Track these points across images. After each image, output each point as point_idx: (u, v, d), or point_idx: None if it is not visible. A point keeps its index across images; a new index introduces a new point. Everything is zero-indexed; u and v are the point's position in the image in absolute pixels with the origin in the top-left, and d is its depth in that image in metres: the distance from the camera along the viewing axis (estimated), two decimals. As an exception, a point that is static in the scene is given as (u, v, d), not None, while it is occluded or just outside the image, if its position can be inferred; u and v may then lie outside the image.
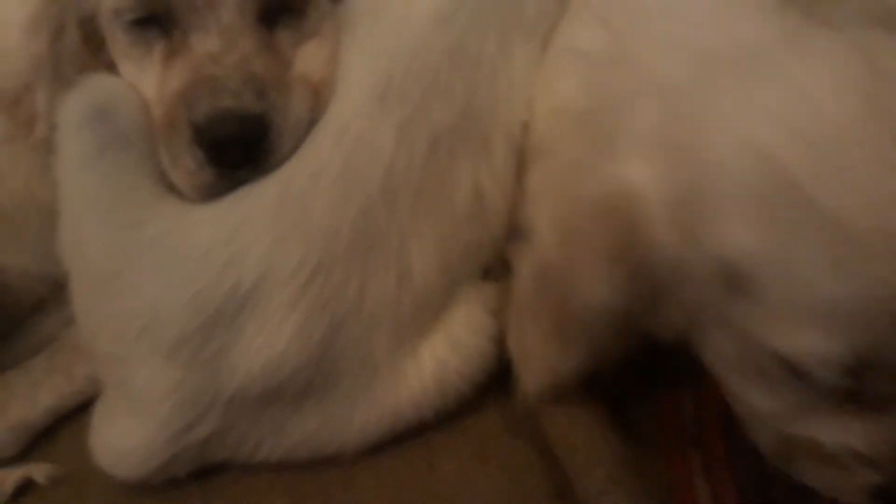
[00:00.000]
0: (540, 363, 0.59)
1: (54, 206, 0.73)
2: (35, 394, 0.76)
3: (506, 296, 0.71)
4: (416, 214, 0.64)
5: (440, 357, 0.66)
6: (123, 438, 0.65)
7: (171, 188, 0.66)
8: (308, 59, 0.69)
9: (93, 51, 0.72)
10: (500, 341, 0.69)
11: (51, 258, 0.75)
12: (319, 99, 0.67)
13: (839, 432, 0.50)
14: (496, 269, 0.72)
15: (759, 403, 0.53)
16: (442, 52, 0.66)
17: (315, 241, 0.61)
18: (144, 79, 0.68)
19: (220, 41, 0.64)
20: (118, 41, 0.69)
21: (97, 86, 0.68)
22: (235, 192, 0.63)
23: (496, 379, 0.69)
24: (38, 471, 0.71)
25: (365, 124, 0.63)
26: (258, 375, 0.61)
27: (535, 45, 0.71)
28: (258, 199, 0.62)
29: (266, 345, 0.60)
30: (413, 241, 0.64)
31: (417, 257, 0.64)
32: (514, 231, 0.67)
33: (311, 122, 0.65)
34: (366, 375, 0.64)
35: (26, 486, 0.71)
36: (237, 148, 0.62)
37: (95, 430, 0.69)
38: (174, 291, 0.60)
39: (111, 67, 0.72)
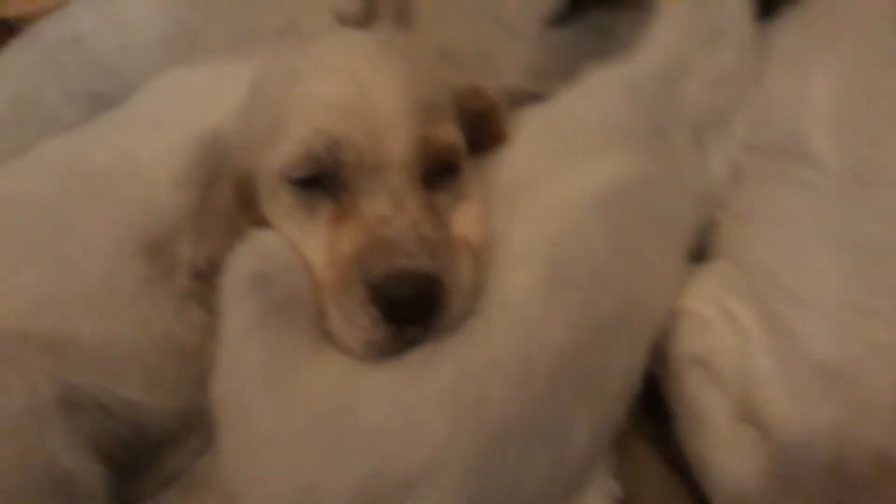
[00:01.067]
0: None
1: (194, 350, 0.77)
2: (168, 531, 0.78)
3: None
4: (576, 402, 0.66)
5: (575, 525, 0.68)
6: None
7: (335, 345, 0.67)
8: (463, 221, 0.71)
9: (244, 207, 0.75)
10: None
11: (187, 396, 0.79)
12: (478, 262, 0.69)
13: None
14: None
15: None
16: (604, 242, 0.69)
17: (487, 429, 0.62)
18: (307, 239, 0.70)
19: (389, 204, 0.66)
20: (281, 202, 0.71)
21: (259, 249, 0.70)
22: (408, 363, 0.64)
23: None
24: None
25: (538, 312, 0.65)
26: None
27: (682, 250, 0.76)
28: (434, 378, 0.63)
29: (424, 530, 0.61)
30: (572, 428, 0.66)
31: (574, 442, 0.66)
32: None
33: (475, 284, 0.67)
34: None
35: None
36: (414, 306, 0.63)
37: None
38: (342, 468, 0.61)
39: (261, 223, 0.74)
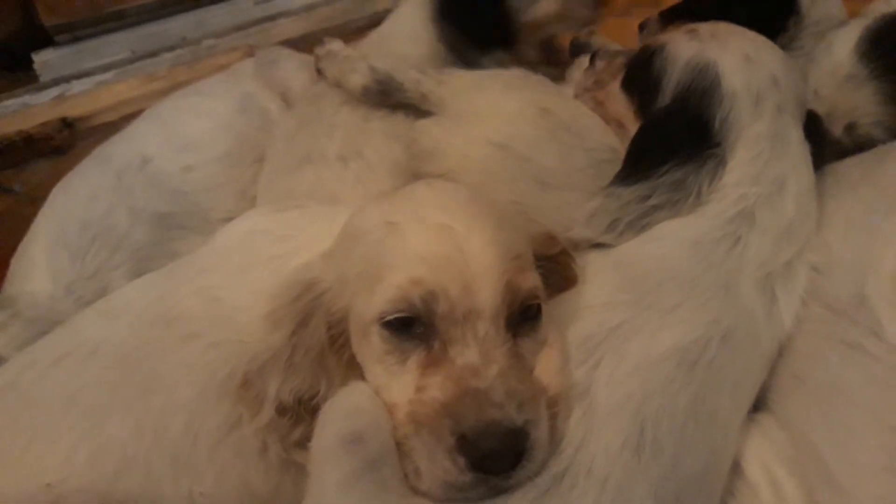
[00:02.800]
0: None
1: (268, 497, 0.79)
2: None
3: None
4: None
5: None
6: None
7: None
8: (544, 368, 0.73)
9: (334, 347, 0.77)
10: None
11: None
12: (556, 410, 0.70)
13: None
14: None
15: None
16: (687, 402, 0.71)
17: None
18: (395, 384, 0.72)
19: (479, 354, 0.68)
20: (372, 345, 0.73)
21: (350, 406, 0.72)
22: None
23: None
24: None
25: (624, 478, 0.67)
26: None
27: (751, 404, 0.79)
28: None
29: None
30: None
31: None
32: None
33: (556, 434, 0.69)
34: None
35: None
36: (501, 459, 0.65)
37: None
38: None
39: (350, 362, 0.76)
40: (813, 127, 0.94)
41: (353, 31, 1.64)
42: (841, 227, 0.86)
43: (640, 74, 0.99)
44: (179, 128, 1.25)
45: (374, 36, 1.44)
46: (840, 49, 1.10)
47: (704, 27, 0.97)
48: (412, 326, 0.71)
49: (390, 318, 0.70)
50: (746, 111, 0.88)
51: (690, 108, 0.90)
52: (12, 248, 1.22)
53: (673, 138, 0.88)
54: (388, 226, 0.73)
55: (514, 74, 1.20)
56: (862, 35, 1.09)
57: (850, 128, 1.10)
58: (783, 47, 1.21)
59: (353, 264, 0.75)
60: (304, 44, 1.83)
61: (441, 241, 0.70)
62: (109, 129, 1.71)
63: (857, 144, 1.10)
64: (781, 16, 1.30)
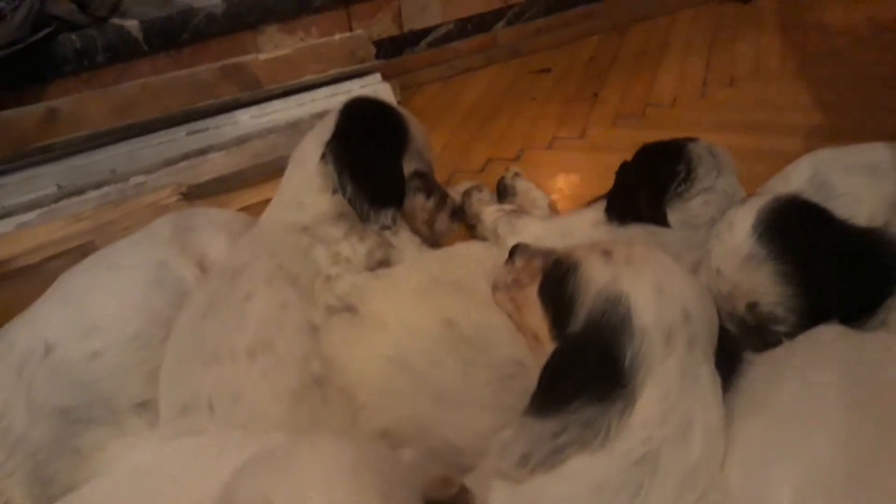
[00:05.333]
0: None
1: None
2: None
3: None
4: None
5: None
6: None
7: None
8: None
9: None
10: None
11: None
12: None
13: None
14: None
15: None
16: None
17: None
18: None
19: None
20: None
21: None
22: None
23: None
24: None
25: None
26: None
27: None
28: None
29: None
30: None
31: None
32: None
33: None
34: None
35: None
36: None
37: None
38: None
39: None
40: (726, 350, 0.93)
41: (284, 167, 1.62)
42: (739, 460, 0.83)
43: (554, 290, 0.97)
44: (87, 308, 1.19)
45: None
46: (739, 228, 1.12)
47: (619, 250, 0.95)
48: None
49: None
50: (657, 348, 0.86)
51: (601, 341, 0.87)
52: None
53: (584, 374, 0.86)
54: None
55: (428, 274, 1.19)
56: (758, 216, 1.11)
57: (752, 307, 1.10)
58: (680, 197, 1.37)
59: None
60: (235, 181, 1.83)
61: None
62: (29, 272, 1.68)
63: (759, 323, 1.11)
64: (671, 161, 1.42)
